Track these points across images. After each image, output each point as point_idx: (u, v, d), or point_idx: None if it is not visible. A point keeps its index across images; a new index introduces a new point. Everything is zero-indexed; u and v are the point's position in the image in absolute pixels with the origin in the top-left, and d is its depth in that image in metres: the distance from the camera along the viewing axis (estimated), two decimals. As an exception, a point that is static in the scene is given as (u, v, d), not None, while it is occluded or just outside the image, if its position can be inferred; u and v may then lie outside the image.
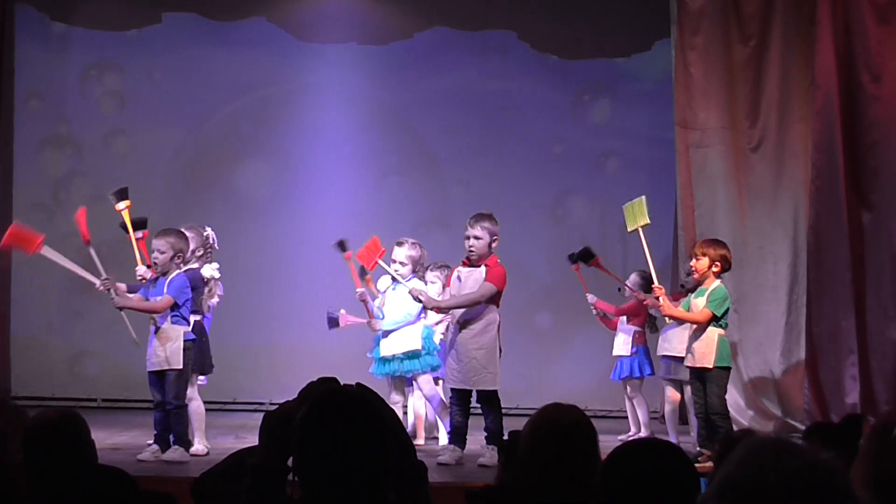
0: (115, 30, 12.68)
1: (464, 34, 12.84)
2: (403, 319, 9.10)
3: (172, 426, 8.43)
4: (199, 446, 8.65)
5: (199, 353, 8.70)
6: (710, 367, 8.52)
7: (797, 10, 11.17)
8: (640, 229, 8.96)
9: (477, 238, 8.56)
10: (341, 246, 9.45)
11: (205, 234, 9.02)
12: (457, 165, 12.79)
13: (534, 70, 12.81)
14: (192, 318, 8.59)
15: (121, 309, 8.46)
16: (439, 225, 11.87)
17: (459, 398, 8.55)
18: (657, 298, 8.81)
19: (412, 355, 9.05)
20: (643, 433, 9.90)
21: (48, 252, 8.67)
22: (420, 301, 8.60)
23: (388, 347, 9.13)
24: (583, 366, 12.39)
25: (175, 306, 8.42)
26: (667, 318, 9.30)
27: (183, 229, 8.74)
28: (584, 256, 9.87)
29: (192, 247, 8.77)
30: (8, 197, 12.29)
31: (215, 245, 9.12)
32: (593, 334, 11.48)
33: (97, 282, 8.51)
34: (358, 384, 3.10)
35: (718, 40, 11.28)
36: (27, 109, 12.60)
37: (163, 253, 8.46)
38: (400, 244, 9.24)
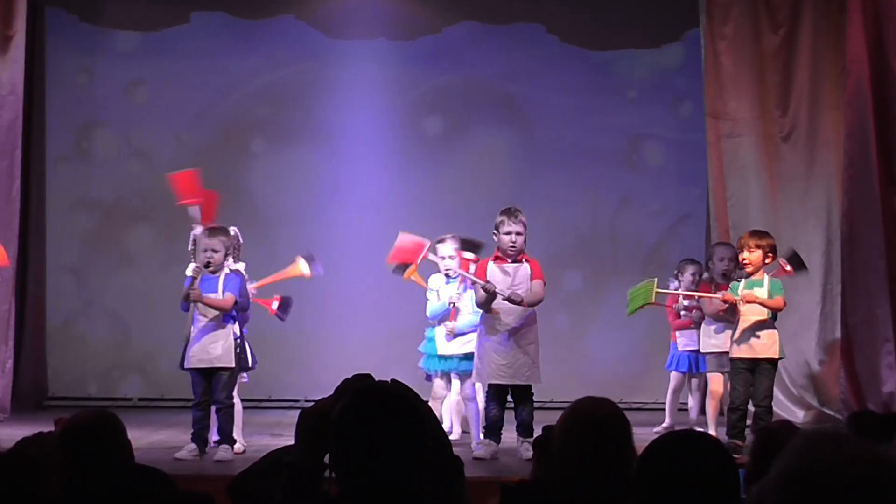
0: (144, 30, 12.71)
1: (492, 28, 12.81)
2: (468, 321, 9.08)
3: (222, 425, 8.50)
4: (237, 444, 8.69)
5: (241, 350, 8.77)
6: (777, 357, 8.56)
7: (827, -2, 11.12)
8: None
9: (519, 234, 8.57)
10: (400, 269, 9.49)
11: (231, 233, 9.06)
12: (486, 159, 12.75)
13: (562, 62, 12.76)
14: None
15: (195, 302, 8.47)
16: (470, 219, 11.83)
17: (497, 393, 8.56)
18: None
19: (470, 356, 9.01)
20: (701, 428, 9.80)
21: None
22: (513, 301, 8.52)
23: (447, 346, 9.13)
24: (614, 358, 12.37)
25: (236, 304, 8.50)
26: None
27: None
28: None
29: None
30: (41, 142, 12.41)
31: (240, 243, 9.17)
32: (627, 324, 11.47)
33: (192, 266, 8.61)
34: (393, 380, 3.10)
35: (748, 29, 11.24)
36: (58, 114, 12.67)
37: (217, 251, 8.54)
38: (442, 241, 9.25)
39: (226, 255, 8.63)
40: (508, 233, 8.57)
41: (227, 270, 8.63)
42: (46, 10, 12.57)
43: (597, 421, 3.62)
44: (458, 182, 12.67)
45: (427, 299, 9.38)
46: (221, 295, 8.51)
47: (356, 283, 12.30)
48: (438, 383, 9.30)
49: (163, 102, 12.68)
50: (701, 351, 9.76)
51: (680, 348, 10.28)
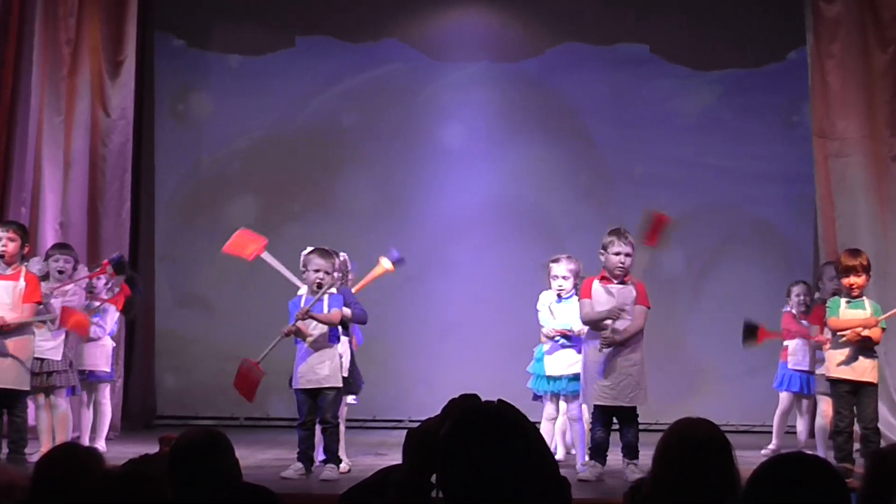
0: (250, 54, 12.88)
1: (595, 48, 12.77)
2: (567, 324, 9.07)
3: (328, 444, 8.57)
4: (342, 464, 8.74)
5: (350, 373, 8.84)
6: (875, 381, 8.46)
7: (939, 14, 10.93)
8: None
9: (628, 255, 8.51)
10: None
11: (340, 258, 9.14)
12: (592, 179, 12.70)
13: (667, 82, 12.69)
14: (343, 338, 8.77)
15: (304, 318, 8.57)
16: (575, 236, 11.79)
17: (603, 414, 8.51)
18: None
19: (577, 377, 8.98)
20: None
21: (267, 257, 9.14)
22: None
23: (555, 367, 9.11)
24: (720, 379, 12.23)
25: (343, 322, 8.60)
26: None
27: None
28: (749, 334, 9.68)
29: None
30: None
31: (349, 269, 9.26)
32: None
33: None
34: (500, 400, 3.11)
35: (856, 47, 11.08)
36: (166, 136, 12.89)
37: (328, 273, 8.62)
38: (556, 261, 9.24)
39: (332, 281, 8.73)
40: (618, 253, 8.50)
41: (333, 291, 8.73)
42: (155, 36, 12.80)
43: (693, 443, 3.54)
44: (562, 200, 12.64)
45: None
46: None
47: (462, 302, 12.33)
48: (549, 404, 9.28)
49: (268, 122, 12.85)
50: (815, 372, 9.63)
51: (790, 366, 10.13)
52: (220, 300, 12.71)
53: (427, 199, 12.72)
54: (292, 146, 12.83)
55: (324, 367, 8.55)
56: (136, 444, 9.64)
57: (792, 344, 10.06)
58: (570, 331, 9.11)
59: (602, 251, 8.61)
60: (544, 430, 9.11)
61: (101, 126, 11.65)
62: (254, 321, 11.81)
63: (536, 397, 9.41)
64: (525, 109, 12.79)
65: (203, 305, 12.77)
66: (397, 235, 12.48)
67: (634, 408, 8.52)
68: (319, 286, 8.60)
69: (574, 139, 12.75)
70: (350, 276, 9.27)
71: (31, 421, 9.47)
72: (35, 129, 11.18)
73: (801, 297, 10.07)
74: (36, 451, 8.89)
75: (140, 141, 12.44)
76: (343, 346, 8.73)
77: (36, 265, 9.46)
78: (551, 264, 9.23)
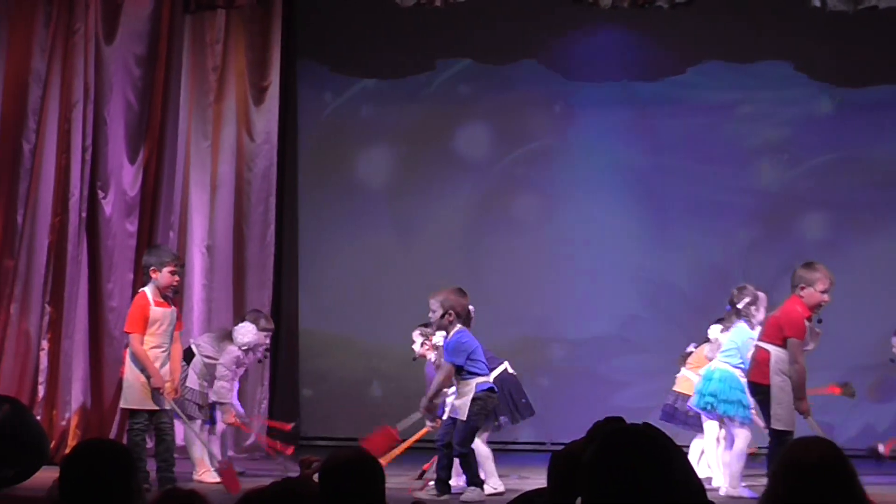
0: (392, 77, 13.01)
1: (737, 66, 12.59)
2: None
3: (463, 470, 8.68)
4: (486, 487, 8.80)
5: (504, 401, 9.02)
6: None
7: None
8: None
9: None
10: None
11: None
12: (736, 204, 12.51)
13: (812, 101, 12.47)
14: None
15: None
16: (718, 272, 11.58)
17: None
18: None
19: (732, 399, 8.86)
20: None
21: None
22: None
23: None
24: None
25: (458, 369, 8.64)
26: None
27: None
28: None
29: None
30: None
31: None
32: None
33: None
34: (645, 423, 3.07)
35: None
36: (309, 161, 13.05)
37: (433, 311, 8.73)
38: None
39: (444, 315, 8.76)
40: (825, 291, 8.21)
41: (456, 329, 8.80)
42: (298, 62, 12.96)
43: (804, 466, 3.26)
44: (709, 226, 12.46)
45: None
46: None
47: (605, 324, 12.24)
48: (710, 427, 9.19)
49: (409, 145, 12.97)
50: None
51: None
52: (363, 325, 12.80)
53: (565, 220, 12.67)
54: (435, 164, 12.92)
55: (458, 399, 8.70)
56: (280, 464, 9.78)
57: None
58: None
59: (803, 286, 8.25)
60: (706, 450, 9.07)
61: (246, 151, 11.86)
62: (398, 344, 11.88)
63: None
64: (665, 128, 12.66)
65: (347, 332, 12.84)
66: (539, 250, 12.49)
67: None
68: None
69: (716, 158, 12.58)
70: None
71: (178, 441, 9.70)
72: (183, 153, 11.42)
73: None
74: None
75: (284, 165, 12.62)
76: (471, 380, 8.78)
77: (250, 335, 9.65)
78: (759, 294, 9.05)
